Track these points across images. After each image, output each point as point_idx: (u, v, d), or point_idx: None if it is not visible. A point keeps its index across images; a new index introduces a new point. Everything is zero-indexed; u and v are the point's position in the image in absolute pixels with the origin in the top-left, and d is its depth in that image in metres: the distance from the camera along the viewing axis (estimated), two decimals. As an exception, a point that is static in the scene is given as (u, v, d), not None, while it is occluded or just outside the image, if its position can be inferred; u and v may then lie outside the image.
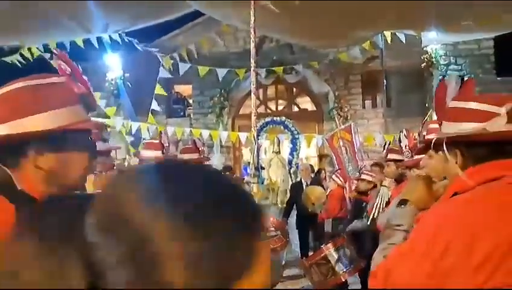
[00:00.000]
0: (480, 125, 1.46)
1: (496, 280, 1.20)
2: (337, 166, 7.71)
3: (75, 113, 1.42)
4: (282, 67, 10.72)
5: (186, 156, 4.97)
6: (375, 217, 4.99)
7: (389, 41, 9.07)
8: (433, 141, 1.54)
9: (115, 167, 3.41)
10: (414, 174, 4.03)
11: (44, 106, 1.35)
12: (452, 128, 1.54)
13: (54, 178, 1.39)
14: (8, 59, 9.69)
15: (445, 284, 1.23)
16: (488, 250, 1.21)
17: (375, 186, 5.47)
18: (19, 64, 9.63)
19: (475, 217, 1.30)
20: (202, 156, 5.01)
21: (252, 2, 4.38)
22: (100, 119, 9.22)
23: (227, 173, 8.83)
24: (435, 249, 1.26)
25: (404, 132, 3.63)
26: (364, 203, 5.58)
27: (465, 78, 1.70)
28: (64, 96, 1.40)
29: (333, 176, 7.24)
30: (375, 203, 4.95)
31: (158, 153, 4.20)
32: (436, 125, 2.78)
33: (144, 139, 9.07)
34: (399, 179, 4.77)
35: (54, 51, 1.53)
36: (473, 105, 1.52)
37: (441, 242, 1.26)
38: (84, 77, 1.51)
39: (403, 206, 1.83)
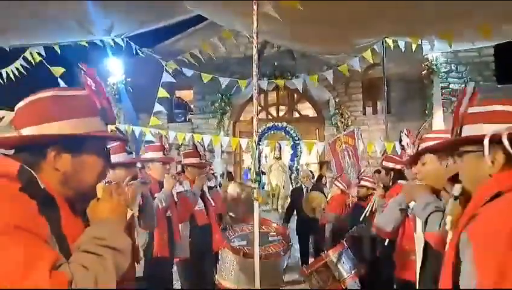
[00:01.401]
0: (509, 125, 1.51)
1: None
2: (335, 171, 7.70)
3: (94, 123, 1.57)
4: (283, 81, 10.80)
5: (187, 161, 5.00)
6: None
7: (390, 49, 9.07)
8: (488, 138, 1.52)
9: (138, 178, 3.47)
10: (408, 173, 4.07)
11: (67, 114, 1.51)
12: (476, 130, 1.58)
13: (69, 180, 1.51)
14: (12, 66, 9.72)
15: None
16: None
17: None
18: (22, 71, 9.65)
19: None
20: (203, 160, 5.04)
21: (255, 7, 4.39)
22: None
23: (228, 178, 8.85)
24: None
25: (405, 131, 3.65)
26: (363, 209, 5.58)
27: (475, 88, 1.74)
28: (85, 107, 1.57)
29: (336, 182, 7.24)
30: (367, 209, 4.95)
31: (159, 155, 4.25)
32: (433, 135, 2.81)
33: (145, 142, 9.07)
34: (387, 186, 4.79)
35: (82, 67, 1.66)
36: (498, 107, 1.58)
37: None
38: (105, 89, 1.67)
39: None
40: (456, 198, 2.10)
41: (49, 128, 1.48)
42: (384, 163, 4.99)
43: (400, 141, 3.89)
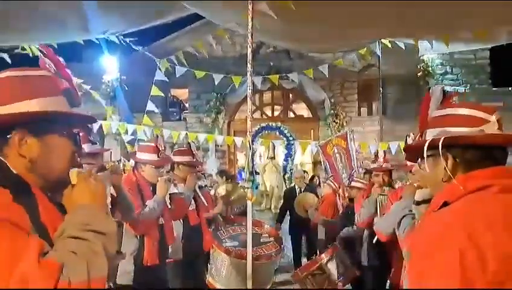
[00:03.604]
0: (474, 129, 1.48)
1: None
2: (329, 172, 7.69)
3: (59, 103, 1.46)
4: (277, 76, 10.74)
5: (179, 159, 4.94)
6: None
7: (386, 49, 9.08)
8: (427, 144, 1.51)
9: (106, 169, 3.36)
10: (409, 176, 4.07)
11: (31, 93, 1.41)
12: (439, 133, 1.53)
13: (37, 167, 1.41)
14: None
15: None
16: (500, 258, 1.20)
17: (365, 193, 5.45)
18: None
19: (478, 229, 1.25)
20: (195, 159, 4.99)
21: (250, 6, 4.37)
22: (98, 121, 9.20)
23: (223, 177, 8.82)
24: (452, 262, 1.22)
25: (412, 135, 3.63)
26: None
27: (448, 91, 1.72)
28: (50, 87, 1.46)
29: (327, 181, 7.25)
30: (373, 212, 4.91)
31: (154, 157, 4.15)
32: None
33: (138, 140, 9.04)
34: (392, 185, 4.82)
35: (40, 48, 1.58)
36: (463, 111, 1.54)
37: (455, 254, 1.22)
38: (68, 72, 1.56)
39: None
40: (417, 203, 2.10)
41: (10, 109, 1.37)
42: (385, 166, 4.99)
43: (406, 144, 3.87)
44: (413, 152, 1.73)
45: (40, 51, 1.58)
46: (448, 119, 1.56)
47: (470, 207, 1.34)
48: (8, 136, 1.37)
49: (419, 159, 1.72)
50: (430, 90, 1.72)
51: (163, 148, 4.22)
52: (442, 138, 1.46)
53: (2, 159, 1.34)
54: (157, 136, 4.46)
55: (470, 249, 1.21)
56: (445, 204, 1.42)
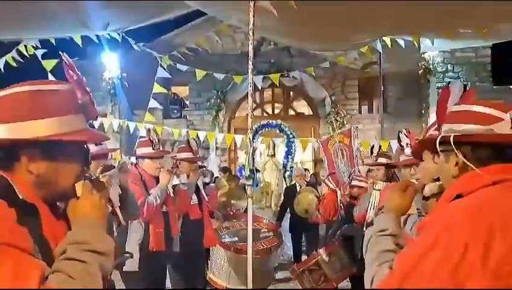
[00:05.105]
0: (485, 127, 1.50)
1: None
2: (328, 170, 7.67)
3: (74, 122, 1.46)
4: (278, 75, 10.71)
5: (180, 155, 5.03)
6: (368, 222, 4.98)
7: (387, 47, 9.05)
8: (438, 139, 1.53)
9: (114, 167, 3.42)
10: (404, 174, 4.06)
11: (43, 112, 1.40)
12: (454, 130, 1.55)
13: (44, 183, 1.43)
14: (5, 58, 9.60)
15: (465, 285, 1.23)
16: (504, 251, 1.22)
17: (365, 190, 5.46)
18: (14, 64, 9.53)
19: (488, 219, 1.29)
20: (196, 155, 5.06)
21: (252, 3, 4.37)
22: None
23: (226, 174, 8.84)
24: (453, 251, 1.25)
25: (404, 131, 3.63)
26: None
27: (468, 87, 1.72)
28: (65, 104, 1.45)
29: (326, 180, 7.23)
30: (368, 208, 4.93)
31: (149, 150, 4.27)
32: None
33: (140, 137, 9.05)
34: (390, 181, 4.81)
35: (64, 59, 1.55)
36: (478, 108, 1.56)
37: (459, 244, 1.25)
38: (87, 88, 1.55)
39: (382, 211, 1.83)
40: (425, 199, 2.10)
41: (24, 127, 1.38)
42: (379, 160, 4.98)
43: (399, 140, 3.87)
44: (427, 147, 1.77)
45: (64, 61, 1.56)
46: (462, 115, 1.58)
47: (485, 200, 1.36)
48: (17, 155, 1.40)
49: (425, 155, 1.78)
50: (449, 86, 1.72)
51: (156, 140, 4.31)
52: (453, 135, 1.48)
53: (9, 180, 1.36)
54: (149, 130, 4.55)
55: (476, 246, 1.23)
56: (458, 197, 1.45)
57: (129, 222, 3.95)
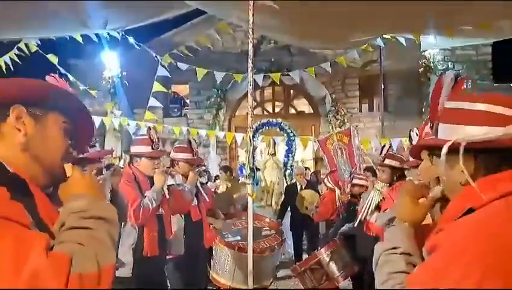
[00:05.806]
0: (494, 129, 1.28)
1: None
2: (328, 168, 7.66)
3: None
4: (279, 74, 10.68)
5: (179, 156, 4.93)
6: (362, 220, 4.98)
7: (388, 45, 9.05)
8: (446, 147, 1.30)
9: (107, 169, 3.40)
10: (413, 174, 4.02)
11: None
12: (455, 131, 1.34)
13: (32, 146, 1.35)
14: (6, 56, 9.61)
15: None
16: None
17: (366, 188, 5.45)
18: (17, 60, 9.54)
19: (504, 239, 1.12)
20: (196, 156, 4.97)
21: (251, 2, 4.35)
22: (97, 118, 9.20)
23: (227, 173, 8.83)
24: (470, 277, 1.09)
25: (416, 130, 3.53)
26: (356, 206, 5.57)
27: (459, 77, 1.46)
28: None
29: (325, 180, 7.21)
30: (364, 206, 4.93)
31: (148, 149, 4.15)
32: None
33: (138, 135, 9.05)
34: (391, 183, 4.78)
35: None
36: (481, 107, 1.32)
37: (476, 272, 1.09)
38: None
39: (392, 224, 1.62)
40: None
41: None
42: (386, 161, 4.91)
43: (410, 139, 3.82)
44: (424, 147, 1.58)
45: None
46: (464, 114, 1.35)
47: (501, 217, 1.18)
48: (4, 114, 1.33)
49: (423, 155, 1.57)
50: (442, 76, 1.48)
51: (156, 139, 4.21)
52: (463, 143, 1.27)
53: None
54: (149, 128, 4.40)
55: (494, 275, 1.09)
56: (470, 210, 1.25)
57: (122, 225, 3.87)
